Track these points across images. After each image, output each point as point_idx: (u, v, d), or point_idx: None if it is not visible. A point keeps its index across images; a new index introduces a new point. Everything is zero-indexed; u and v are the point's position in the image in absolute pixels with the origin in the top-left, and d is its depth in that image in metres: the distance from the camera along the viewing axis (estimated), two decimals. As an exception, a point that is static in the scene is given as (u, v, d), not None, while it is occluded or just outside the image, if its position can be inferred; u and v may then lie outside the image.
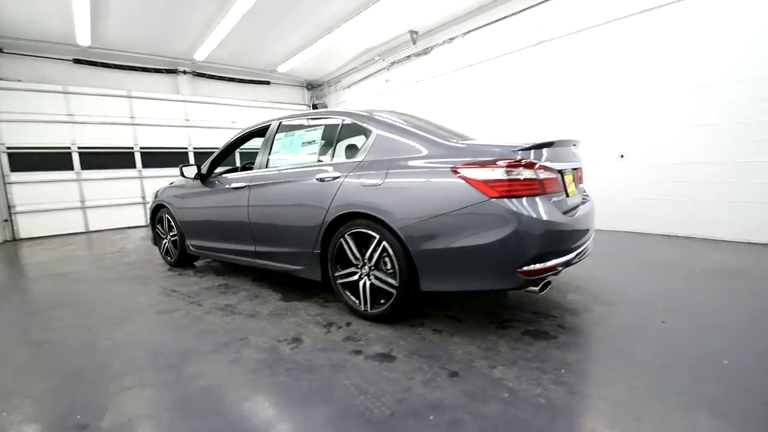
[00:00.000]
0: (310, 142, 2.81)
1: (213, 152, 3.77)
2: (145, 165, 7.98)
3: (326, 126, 2.80)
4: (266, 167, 3.04)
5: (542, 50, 5.54)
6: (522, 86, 5.90)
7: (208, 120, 8.76)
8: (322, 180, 2.55)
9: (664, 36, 4.36)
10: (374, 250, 2.29)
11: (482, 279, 2.00)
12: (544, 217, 1.90)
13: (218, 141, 8.95)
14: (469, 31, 6.51)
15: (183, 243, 3.89)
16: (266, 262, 3.03)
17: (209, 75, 8.77)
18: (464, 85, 6.82)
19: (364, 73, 8.96)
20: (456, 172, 2.01)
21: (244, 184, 3.08)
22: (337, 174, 2.47)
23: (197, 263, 4.26)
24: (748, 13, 3.80)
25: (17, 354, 2.18)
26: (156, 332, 2.39)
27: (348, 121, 2.64)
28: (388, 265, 2.31)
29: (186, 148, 8.51)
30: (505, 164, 1.92)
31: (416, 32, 7.01)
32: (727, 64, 3.95)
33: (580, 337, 2.10)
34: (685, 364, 1.77)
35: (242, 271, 3.80)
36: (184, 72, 8.37)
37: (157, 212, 4.22)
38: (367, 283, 2.36)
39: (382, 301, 2.33)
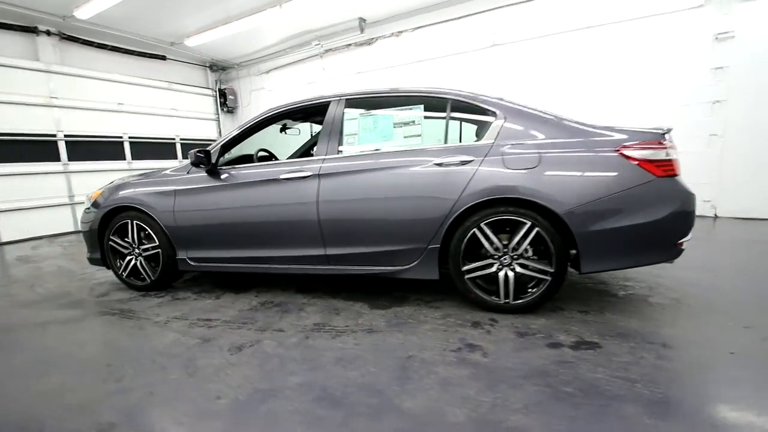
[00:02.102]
0: (406, 123, 2.44)
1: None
2: (-11, 158, 5.56)
3: (427, 105, 2.47)
4: (338, 153, 2.51)
5: (496, 53, 6.06)
6: (474, 86, 6.33)
7: (85, 99, 6.64)
8: (441, 165, 2.26)
9: (611, 47, 5.31)
10: (523, 238, 2.16)
11: (646, 254, 2.12)
12: (693, 193, 2.12)
13: (103, 128, 6.92)
14: (420, 27, 6.63)
15: (172, 257, 2.90)
16: (344, 267, 2.52)
17: (84, 40, 6.65)
18: (412, 81, 6.92)
19: (291, 58, 8.18)
20: (621, 154, 2.06)
21: (308, 174, 2.48)
22: (466, 158, 2.23)
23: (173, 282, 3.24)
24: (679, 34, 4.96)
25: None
26: (270, 375, 1.73)
27: (460, 100, 2.40)
28: (529, 252, 2.23)
29: (54, 136, 6.27)
30: (666, 145, 2.06)
31: (365, 20, 6.76)
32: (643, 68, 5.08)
33: (713, 299, 2.37)
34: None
35: (266, 283, 3.06)
36: (48, 33, 6.12)
37: (110, 220, 3.03)
38: (509, 273, 2.22)
39: (529, 291, 2.23)
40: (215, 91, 9.23)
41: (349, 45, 7.42)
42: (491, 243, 2.21)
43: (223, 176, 2.75)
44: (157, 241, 2.90)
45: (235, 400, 1.56)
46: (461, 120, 2.61)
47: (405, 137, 2.43)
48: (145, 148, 7.57)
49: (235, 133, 2.84)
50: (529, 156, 2.15)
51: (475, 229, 2.22)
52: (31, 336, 2.33)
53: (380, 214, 2.37)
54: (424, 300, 2.57)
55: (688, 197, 2.07)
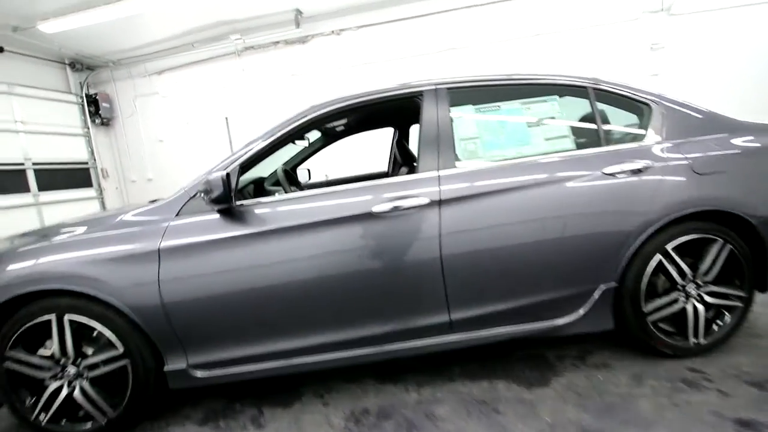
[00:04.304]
0: (542, 122, 1.78)
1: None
2: None
3: (561, 96, 1.84)
4: (456, 166, 1.69)
5: (452, 56, 5.78)
6: (430, 89, 5.96)
7: None
8: (613, 175, 1.68)
9: (562, 53, 5.49)
10: (716, 259, 1.72)
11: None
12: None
13: None
14: (365, 26, 5.96)
15: (152, 370, 1.62)
16: (477, 333, 1.71)
17: None
18: (357, 85, 6.17)
19: (195, 56, 6.54)
20: (788, 150, 1.79)
21: (424, 202, 1.59)
22: (643, 163, 1.69)
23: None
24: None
25: None
26: None
27: (604, 89, 1.84)
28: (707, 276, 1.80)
29: None
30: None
31: (302, 13, 5.76)
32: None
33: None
34: None
35: (305, 376, 1.96)
36: None
37: (3, 321, 1.57)
38: (699, 306, 1.75)
39: (719, 324, 1.79)
40: (80, 97, 6.85)
41: (277, 42, 6.28)
42: (679, 271, 1.71)
43: (247, 216, 1.64)
44: (120, 346, 1.58)
45: None
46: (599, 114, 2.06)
47: (546, 139, 1.76)
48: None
49: (259, 145, 1.73)
50: (718, 157, 1.72)
51: (659, 256, 1.69)
52: None
53: (539, 250, 1.65)
54: (570, 356, 1.92)
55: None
